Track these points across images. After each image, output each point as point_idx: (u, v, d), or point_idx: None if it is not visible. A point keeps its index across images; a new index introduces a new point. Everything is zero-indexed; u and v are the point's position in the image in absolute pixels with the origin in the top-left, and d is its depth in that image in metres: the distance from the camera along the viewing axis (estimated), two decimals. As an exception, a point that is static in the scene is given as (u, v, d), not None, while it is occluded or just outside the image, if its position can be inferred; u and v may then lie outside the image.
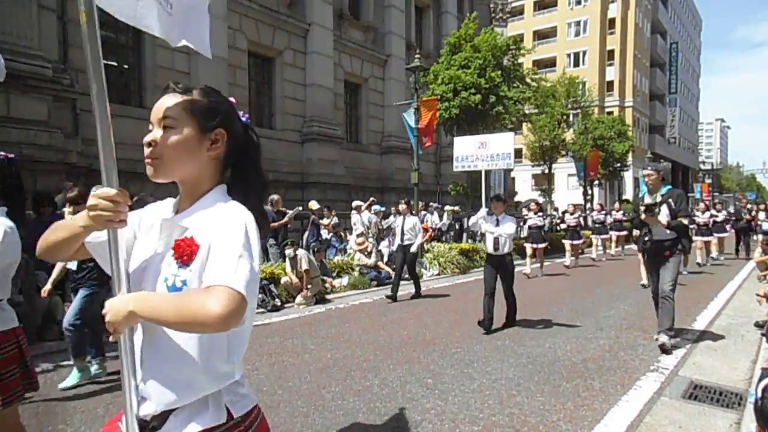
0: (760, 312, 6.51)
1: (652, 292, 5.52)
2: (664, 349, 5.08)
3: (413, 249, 8.61)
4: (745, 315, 6.88)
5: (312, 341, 5.77)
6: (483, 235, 6.65)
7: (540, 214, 11.85)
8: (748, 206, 15.47)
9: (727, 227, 15.06)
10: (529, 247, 11.72)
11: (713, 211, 14.36)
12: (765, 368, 2.97)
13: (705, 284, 10.01)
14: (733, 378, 4.39)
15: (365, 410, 3.72)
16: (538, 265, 11.72)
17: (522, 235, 14.06)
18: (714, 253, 14.17)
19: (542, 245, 11.61)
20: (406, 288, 9.79)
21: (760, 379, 2.80)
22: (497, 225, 6.13)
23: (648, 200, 5.39)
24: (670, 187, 5.38)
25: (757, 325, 6.08)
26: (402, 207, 8.97)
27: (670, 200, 5.13)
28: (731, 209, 15.88)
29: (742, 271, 11.92)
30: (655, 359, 4.95)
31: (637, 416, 3.58)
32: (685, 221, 5.16)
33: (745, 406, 3.65)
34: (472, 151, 8.10)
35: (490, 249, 6.21)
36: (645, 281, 9.70)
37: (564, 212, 16.59)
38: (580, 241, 13.85)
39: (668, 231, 5.09)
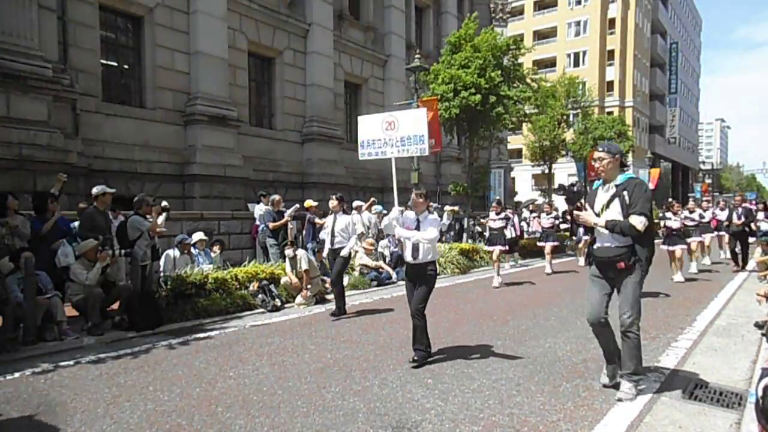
0: (760, 312, 6.51)
1: (589, 320, 4.00)
2: (621, 399, 3.83)
3: (344, 253, 7.27)
4: (745, 315, 6.88)
5: (312, 341, 5.77)
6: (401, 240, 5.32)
7: (503, 214, 10.70)
8: (744, 205, 12.66)
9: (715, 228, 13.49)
10: (496, 251, 10.48)
11: (700, 211, 12.80)
12: (765, 368, 2.98)
13: (705, 284, 10.02)
14: (733, 378, 4.39)
15: (365, 410, 3.72)
16: (505, 270, 10.81)
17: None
18: (705, 259, 13.11)
19: (502, 247, 10.55)
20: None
21: (760, 379, 2.81)
22: (417, 227, 4.97)
23: (601, 193, 4.01)
24: (630, 175, 3.94)
25: (757, 325, 6.08)
26: (333, 204, 7.50)
27: (625, 192, 3.77)
28: (710, 213, 13.46)
29: (742, 271, 11.91)
30: (655, 359, 4.94)
31: (637, 416, 3.58)
32: (638, 222, 3.66)
33: (745, 406, 3.65)
34: (380, 135, 6.61)
35: (408, 257, 5.00)
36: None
37: (540, 211, 14.87)
38: (556, 244, 12.74)
39: (622, 236, 3.76)
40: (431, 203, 5.48)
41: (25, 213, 6.82)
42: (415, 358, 4.79)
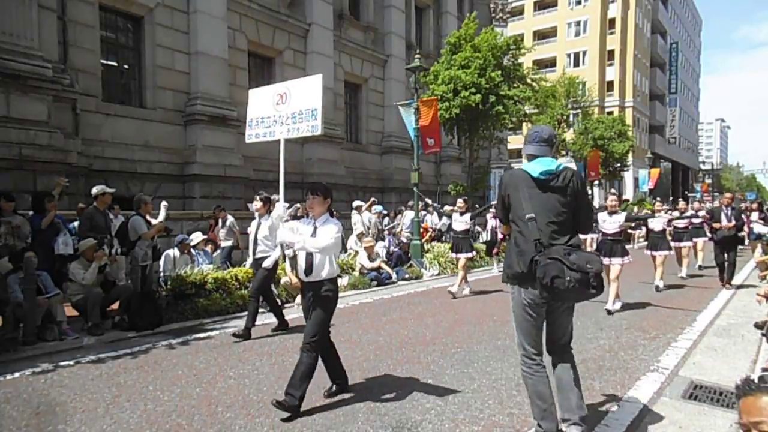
0: (760, 312, 6.51)
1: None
2: None
3: (267, 263, 5.79)
4: (745, 315, 6.88)
5: (312, 341, 5.76)
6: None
7: (468, 215, 9.08)
8: (727, 203, 9.72)
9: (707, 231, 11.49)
10: (461, 258, 8.97)
11: (692, 211, 11.62)
12: (765, 368, 2.97)
13: (705, 284, 10.01)
14: (733, 378, 4.37)
15: (365, 410, 3.72)
16: (461, 280, 8.92)
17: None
18: (700, 262, 12.19)
19: (467, 255, 8.92)
20: (406, 288, 9.79)
21: (761, 379, 2.80)
22: (313, 233, 3.84)
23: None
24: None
25: (757, 325, 6.07)
26: (256, 206, 6.20)
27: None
28: (703, 212, 11.67)
29: (742, 271, 11.90)
30: (655, 359, 4.95)
31: (637, 416, 3.58)
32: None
33: (745, 406, 3.64)
34: (270, 111, 5.43)
35: (301, 272, 3.89)
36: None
37: None
38: None
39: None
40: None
41: (24, 213, 6.83)
42: (281, 401, 3.64)
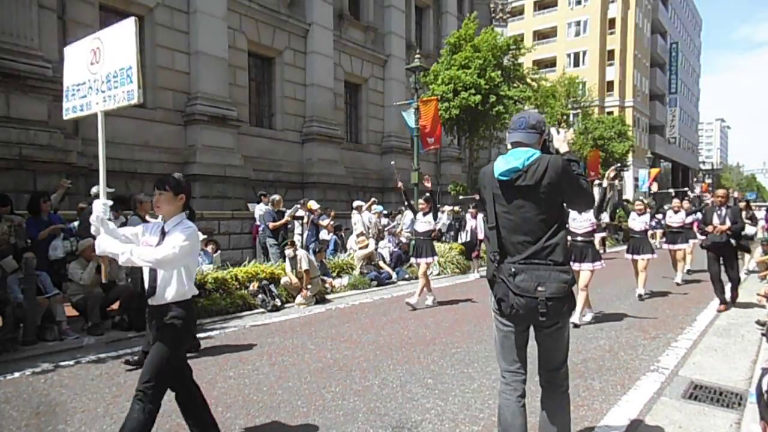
0: (760, 312, 6.51)
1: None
2: None
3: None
4: (745, 315, 6.88)
5: (312, 341, 5.77)
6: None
7: (430, 216, 8.13)
8: (720, 202, 7.51)
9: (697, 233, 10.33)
10: (421, 263, 8.11)
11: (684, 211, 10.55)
12: (765, 368, 2.97)
13: (705, 284, 9.99)
14: (733, 378, 4.39)
15: (365, 410, 3.72)
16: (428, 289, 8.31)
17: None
18: (688, 266, 11.22)
19: (430, 259, 8.16)
20: (406, 288, 9.79)
21: (762, 378, 2.81)
22: (160, 241, 2.81)
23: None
24: None
25: (759, 323, 6.08)
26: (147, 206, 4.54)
27: None
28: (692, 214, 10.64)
29: (742, 271, 11.86)
30: (655, 359, 4.95)
31: (637, 416, 3.58)
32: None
33: (745, 406, 3.65)
34: (85, 75, 3.96)
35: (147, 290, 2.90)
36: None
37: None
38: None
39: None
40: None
41: (22, 213, 6.83)
42: None
